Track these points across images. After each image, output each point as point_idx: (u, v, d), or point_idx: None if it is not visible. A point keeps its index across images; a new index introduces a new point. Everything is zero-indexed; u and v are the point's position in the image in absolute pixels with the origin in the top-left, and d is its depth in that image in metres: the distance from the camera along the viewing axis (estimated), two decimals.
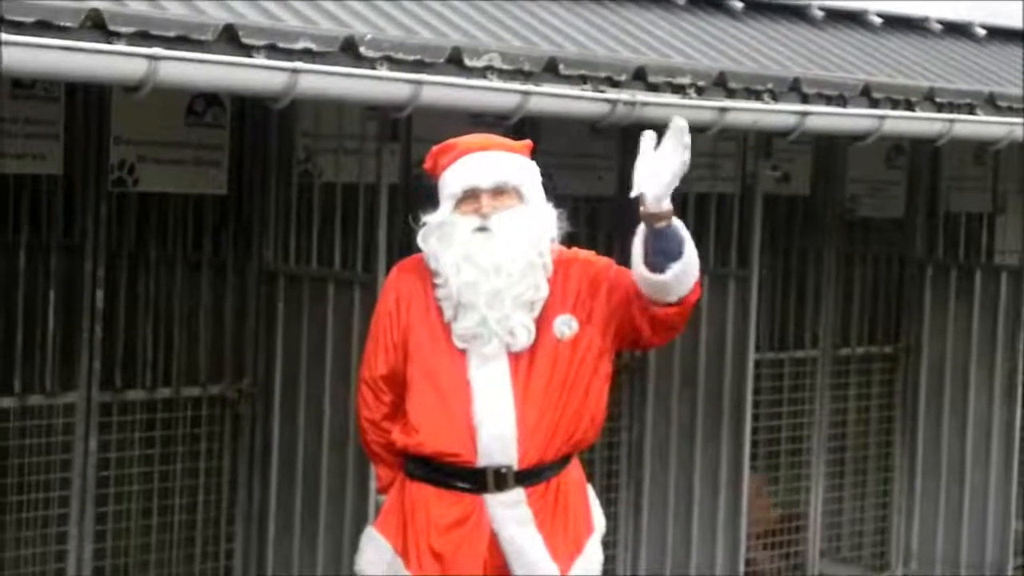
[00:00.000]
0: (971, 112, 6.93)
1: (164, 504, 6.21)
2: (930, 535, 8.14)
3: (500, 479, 4.32)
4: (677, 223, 4.28)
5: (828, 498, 7.98)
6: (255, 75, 4.84)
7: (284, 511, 6.09)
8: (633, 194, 4.22)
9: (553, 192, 4.54)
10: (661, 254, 4.24)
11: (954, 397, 8.04)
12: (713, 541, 6.98)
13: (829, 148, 7.67)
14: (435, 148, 4.49)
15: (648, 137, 4.25)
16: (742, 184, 7.05)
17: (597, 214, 6.92)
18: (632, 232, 4.33)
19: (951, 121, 6.65)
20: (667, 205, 4.23)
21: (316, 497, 5.93)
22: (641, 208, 4.23)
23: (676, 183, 4.23)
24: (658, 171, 4.19)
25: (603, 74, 5.78)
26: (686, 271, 4.27)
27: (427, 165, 4.51)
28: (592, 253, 4.53)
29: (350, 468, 5.78)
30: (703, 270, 4.43)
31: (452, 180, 4.38)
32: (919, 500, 8.16)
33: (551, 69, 5.65)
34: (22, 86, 5.55)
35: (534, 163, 4.49)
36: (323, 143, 6.06)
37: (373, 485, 5.30)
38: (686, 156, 4.21)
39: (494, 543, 4.35)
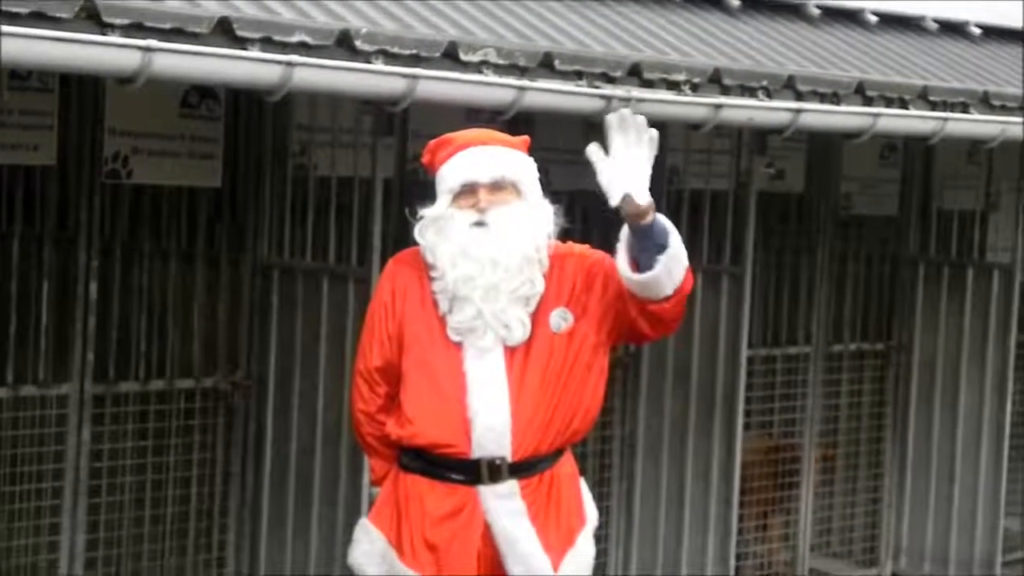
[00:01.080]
0: (965, 110, 6.94)
1: (157, 495, 6.22)
2: (920, 531, 8.16)
3: (494, 471, 4.33)
4: (660, 216, 4.28)
5: (819, 493, 7.99)
6: (250, 68, 4.84)
7: (277, 503, 6.09)
8: (615, 202, 4.21)
9: (548, 187, 4.54)
10: (649, 251, 4.23)
11: (945, 394, 8.06)
12: (704, 535, 6.99)
13: (823, 145, 7.68)
14: (433, 142, 4.49)
15: (594, 147, 4.25)
16: (736, 181, 7.05)
17: (591, 209, 6.91)
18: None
19: (944, 119, 6.67)
20: (649, 199, 4.24)
21: (309, 489, 5.93)
22: (625, 211, 4.22)
23: (649, 172, 4.23)
24: (630, 168, 4.19)
25: (598, 70, 5.78)
26: (675, 259, 4.25)
27: (424, 159, 4.51)
28: (587, 247, 4.53)
29: (343, 460, 5.78)
30: (697, 266, 4.42)
31: (450, 174, 4.39)
32: (909, 496, 8.18)
33: (546, 64, 5.65)
34: (18, 77, 5.54)
35: (531, 159, 4.49)
36: (318, 137, 6.06)
37: (366, 477, 5.31)
38: (653, 137, 4.22)
39: (488, 535, 4.36)
